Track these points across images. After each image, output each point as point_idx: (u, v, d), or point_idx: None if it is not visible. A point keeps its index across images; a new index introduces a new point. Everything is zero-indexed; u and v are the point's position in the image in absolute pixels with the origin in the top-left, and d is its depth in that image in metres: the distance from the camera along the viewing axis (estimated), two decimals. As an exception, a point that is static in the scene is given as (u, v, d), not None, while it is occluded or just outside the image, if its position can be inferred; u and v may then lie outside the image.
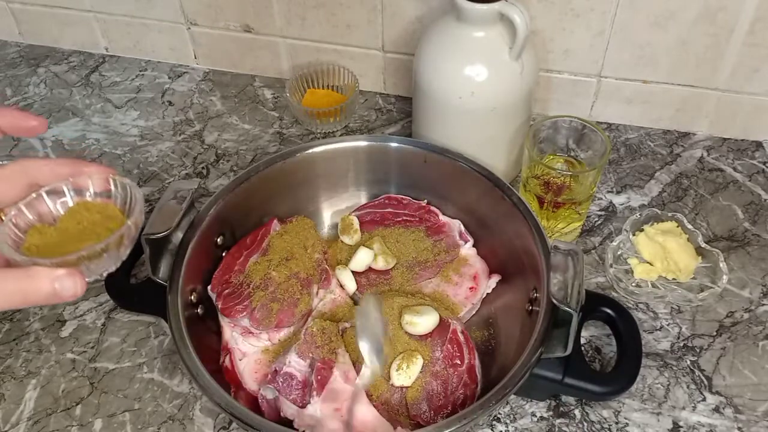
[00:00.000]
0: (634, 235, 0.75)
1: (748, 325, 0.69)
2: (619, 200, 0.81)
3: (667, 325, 0.69)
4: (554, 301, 0.56)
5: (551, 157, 0.76)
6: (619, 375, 0.60)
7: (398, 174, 0.76)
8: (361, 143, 0.74)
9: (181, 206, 0.63)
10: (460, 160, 0.71)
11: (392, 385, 0.60)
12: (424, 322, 0.63)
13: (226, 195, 0.68)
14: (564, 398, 0.64)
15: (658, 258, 0.72)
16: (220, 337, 0.66)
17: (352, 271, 0.70)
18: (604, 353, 0.67)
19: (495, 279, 0.70)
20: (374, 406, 0.58)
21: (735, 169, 0.84)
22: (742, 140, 0.88)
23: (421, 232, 0.73)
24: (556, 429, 0.62)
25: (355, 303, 0.70)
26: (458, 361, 0.62)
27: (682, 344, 0.68)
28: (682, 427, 0.62)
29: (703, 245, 0.72)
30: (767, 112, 0.85)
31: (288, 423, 0.58)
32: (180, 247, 0.64)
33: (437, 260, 0.71)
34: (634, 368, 0.59)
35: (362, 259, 0.70)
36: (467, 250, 0.73)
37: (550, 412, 0.63)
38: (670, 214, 0.75)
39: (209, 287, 0.66)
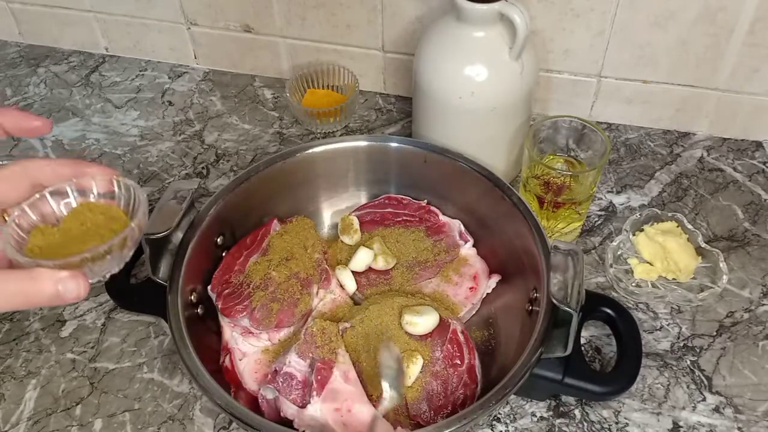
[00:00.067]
0: (634, 235, 0.75)
1: (748, 325, 0.69)
2: (619, 200, 0.81)
3: (667, 325, 0.69)
4: (554, 301, 0.56)
5: (551, 157, 0.76)
6: (619, 375, 0.60)
7: (398, 174, 0.76)
8: (361, 143, 0.74)
9: (181, 206, 0.63)
10: (460, 160, 0.71)
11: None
12: (424, 322, 0.63)
13: (226, 195, 0.68)
14: (564, 398, 0.64)
15: (658, 258, 0.72)
16: (220, 337, 0.66)
17: (352, 271, 0.70)
18: (604, 353, 0.67)
19: (495, 279, 0.70)
20: (374, 405, 0.58)
21: (735, 169, 0.84)
22: (742, 140, 0.88)
23: (421, 232, 0.73)
24: (556, 429, 0.62)
25: (356, 303, 0.70)
26: (458, 361, 0.62)
27: (682, 344, 0.68)
28: (682, 427, 0.62)
29: (703, 245, 0.72)
30: (767, 112, 0.85)
31: (288, 423, 0.58)
32: (180, 247, 0.64)
33: (437, 260, 0.71)
34: (634, 368, 0.59)
35: (362, 259, 0.70)
36: (467, 250, 0.73)
37: (550, 412, 0.63)
38: (670, 214, 0.75)
39: (209, 287, 0.66)
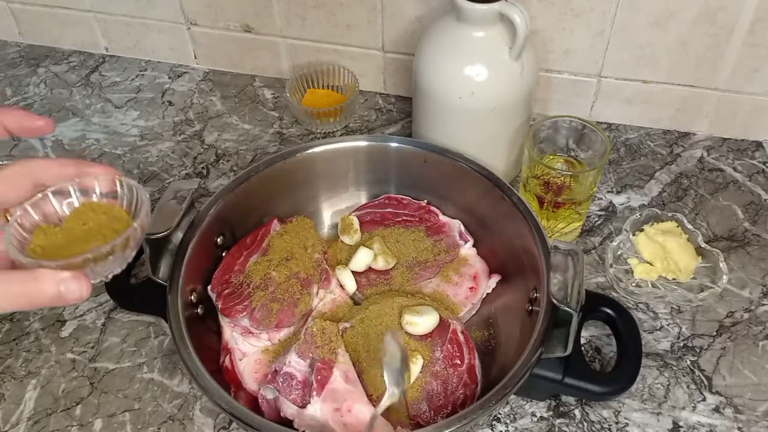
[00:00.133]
0: (634, 235, 0.75)
1: (748, 325, 0.69)
2: (619, 200, 0.81)
3: (667, 325, 0.69)
4: (554, 301, 0.56)
5: (551, 157, 0.76)
6: (619, 375, 0.60)
7: (398, 174, 0.76)
8: (361, 143, 0.74)
9: (181, 206, 0.63)
10: (460, 160, 0.71)
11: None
12: (424, 322, 0.63)
13: (226, 195, 0.68)
14: (564, 398, 0.64)
15: (658, 258, 0.72)
16: (220, 337, 0.66)
17: (352, 271, 0.70)
18: (604, 353, 0.67)
19: (495, 279, 0.70)
20: (374, 405, 0.58)
21: (735, 169, 0.84)
22: (742, 140, 0.88)
23: (421, 232, 0.73)
24: (556, 429, 0.62)
25: (356, 303, 0.70)
26: (458, 361, 0.62)
27: (682, 344, 0.68)
28: (682, 427, 0.62)
29: (703, 245, 0.72)
30: (767, 112, 0.85)
31: (288, 423, 0.58)
32: (180, 247, 0.64)
33: (437, 260, 0.71)
34: (634, 368, 0.59)
35: (362, 259, 0.70)
36: (467, 250, 0.73)
37: (550, 412, 0.63)
38: (670, 214, 0.75)
39: (209, 287, 0.66)
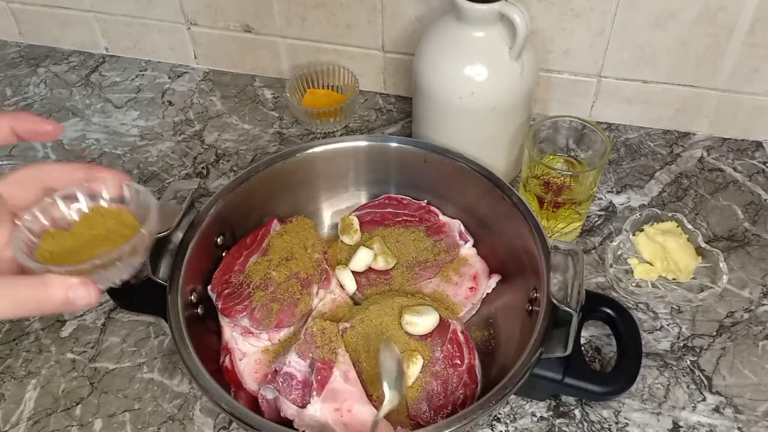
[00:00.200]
0: (634, 235, 0.75)
1: (748, 325, 0.69)
2: (619, 200, 0.81)
3: (667, 325, 0.69)
4: (554, 301, 0.56)
5: (551, 157, 0.76)
6: (619, 375, 0.60)
7: (398, 174, 0.76)
8: (361, 143, 0.74)
9: (181, 206, 0.63)
10: (460, 160, 0.71)
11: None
12: (424, 322, 0.63)
13: (226, 195, 0.68)
14: (564, 398, 0.64)
15: (658, 258, 0.72)
16: (220, 337, 0.66)
17: (352, 271, 0.70)
18: (604, 353, 0.67)
19: (495, 279, 0.70)
20: (374, 405, 0.58)
21: (735, 169, 0.84)
22: (742, 140, 0.88)
23: (421, 232, 0.73)
24: (556, 429, 0.62)
25: (356, 303, 0.70)
26: (458, 361, 0.62)
27: (682, 344, 0.68)
28: (682, 427, 0.62)
29: (703, 245, 0.72)
30: (767, 112, 0.85)
31: (288, 423, 0.58)
32: (180, 247, 0.64)
33: (437, 260, 0.71)
34: (634, 368, 0.59)
35: (362, 259, 0.70)
36: (467, 250, 0.72)
37: (550, 412, 0.63)
38: (670, 214, 0.75)
39: (209, 287, 0.66)
